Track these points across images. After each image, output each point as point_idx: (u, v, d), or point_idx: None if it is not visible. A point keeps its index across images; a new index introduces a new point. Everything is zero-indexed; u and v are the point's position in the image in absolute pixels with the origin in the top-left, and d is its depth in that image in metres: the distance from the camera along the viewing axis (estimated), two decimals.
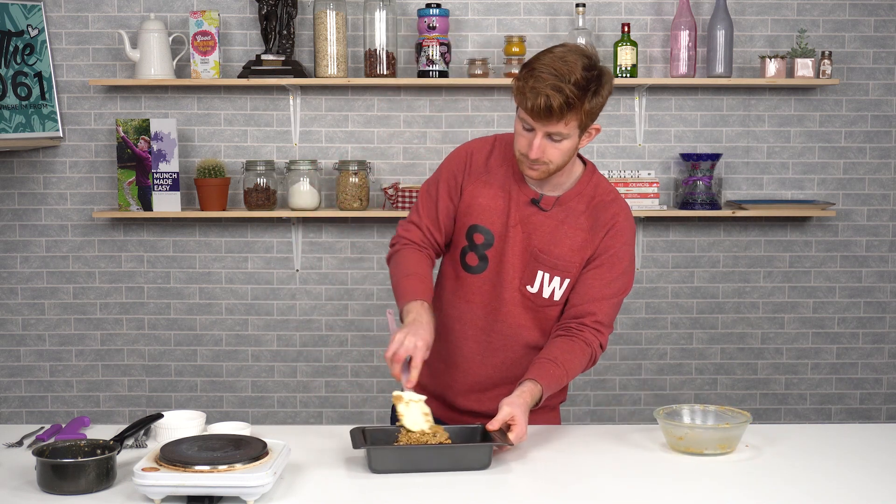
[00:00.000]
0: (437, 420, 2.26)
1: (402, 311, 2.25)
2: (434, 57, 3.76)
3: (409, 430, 2.09)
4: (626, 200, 3.78)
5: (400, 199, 3.82)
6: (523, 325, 2.33)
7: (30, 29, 3.84)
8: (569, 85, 2.13)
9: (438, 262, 2.47)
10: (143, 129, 3.80)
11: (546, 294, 2.31)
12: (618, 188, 3.82)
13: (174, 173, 3.81)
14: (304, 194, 3.82)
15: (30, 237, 3.99)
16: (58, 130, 3.93)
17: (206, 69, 3.80)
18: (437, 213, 2.36)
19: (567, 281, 2.30)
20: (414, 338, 2.14)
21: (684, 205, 3.91)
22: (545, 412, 2.42)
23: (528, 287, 2.31)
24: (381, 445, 2.06)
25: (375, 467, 2.00)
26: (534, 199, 2.31)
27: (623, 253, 2.30)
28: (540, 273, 2.29)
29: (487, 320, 2.33)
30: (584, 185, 2.33)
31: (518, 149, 2.24)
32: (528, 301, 2.31)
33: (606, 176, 3.82)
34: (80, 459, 1.89)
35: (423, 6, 3.84)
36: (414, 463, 2.00)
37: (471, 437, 2.10)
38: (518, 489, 1.94)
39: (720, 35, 3.83)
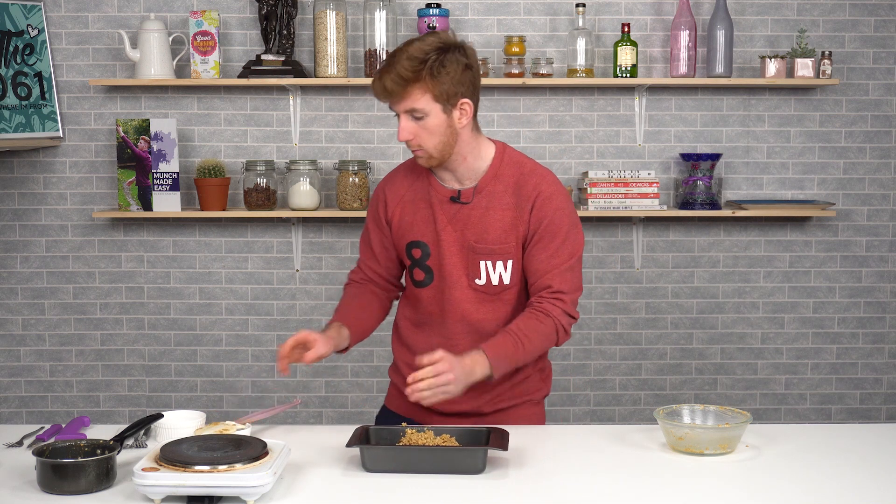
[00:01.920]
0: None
1: None
2: None
3: (413, 432, 2.09)
4: (630, 200, 3.82)
5: None
6: (483, 318, 2.37)
7: (30, 29, 3.85)
8: (401, 62, 2.22)
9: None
10: (143, 129, 3.80)
11: (495, 281, 2.35)
12: (618, 188, 3.83)
13: (174, 173, 3.81)
14: (304, 194, 3.82)
15: (30, 237, 3.99)
16: (58, 130, 3.93)
17: (206, 69, 3.80)
18: (371, 247, 2.48)
19: (511, 262, 2.34)
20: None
21: (684, 205, 3.91)
22: (529, 406, 2.45)
23: (477, 280, 2.35)
24: (377, 445, 2.06)
25: (368, 466, 2.00)
26: (452, 197, 2.36)
27: (559, 219, 2.33)
28: (482, 263, 2.34)
29: (447, 325, 2.38)
30: (498, 166, 2.37)
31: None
32: (481, 294, 2.36)
33: (606, 176, 3.83)
34: (80, 459, 1.89)
35: (423, 6, 3.84)
36: (407, 464, 2.00)
37: (475, 440, 2.09)
38: (518, 488, 1.94)
39: (720, 35, 3.83)
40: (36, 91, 3.85)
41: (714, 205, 3.89)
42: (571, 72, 3.84)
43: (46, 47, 3.89)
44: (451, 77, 2.24)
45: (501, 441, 2.04)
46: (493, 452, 2.05)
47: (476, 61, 2.30)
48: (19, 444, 2.21)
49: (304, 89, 3.95)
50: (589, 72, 3.83)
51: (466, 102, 2.28)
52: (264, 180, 3.85)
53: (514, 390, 2.43)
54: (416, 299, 2.43)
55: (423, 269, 2.39)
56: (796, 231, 4.06)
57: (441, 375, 2.14)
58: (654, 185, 3.85)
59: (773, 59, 3.84)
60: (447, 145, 2.29)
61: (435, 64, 2.22)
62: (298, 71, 3.79)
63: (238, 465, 1.84)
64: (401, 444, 2.06)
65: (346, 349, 2.43)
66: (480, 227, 2.33)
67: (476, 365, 2.20)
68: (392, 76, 2.22)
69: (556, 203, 2.34)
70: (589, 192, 3.83)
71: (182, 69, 3.91)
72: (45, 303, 4.01)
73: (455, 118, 2.27)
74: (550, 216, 2.32)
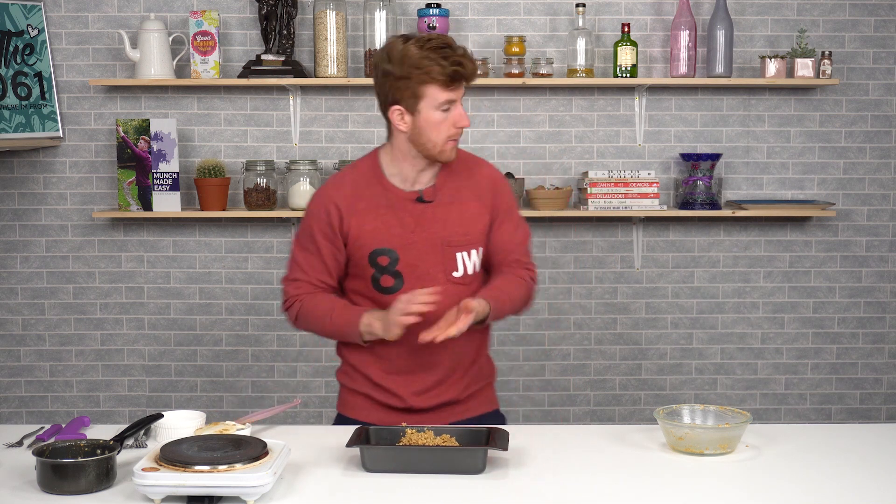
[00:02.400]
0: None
1: (361, 329, 2.35)
2: None
3: (413, 432, 2.09)
4: (630, 200, 3.82)
5: None
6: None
7: (30, 29, 3.85)
8: (469, 57, 2.31)
9: None
10: (143, 129, 3.80)
11: (470, 270, 2.43)
12: (618, 188, 3.83)
13: (174, 173, 3.81)
14: (304, 194, 3.82)
15: (30, 237, 3.99)
16: (58, 130, 3.93)
17: (206, 69, 3.80)
18: (324, 260, 2.41)
19: (480, 249, 2.44)
20: (392, 315, 2.28)
21: (684, 205, 3.91)
22: (489, 389, 2.55)
23: (454, 273, 2.40)
24: (377, 445, 2.06)
25: (368, 466, 2.00)
26: (418, 198, 2.39)
27: (511, 201, 2.50)
28: (459, 256, 2.40)
29: (420, 327, 2.30)
30: (448, 162, 2.41)
31: (441, 136, 2.32)
32: (458, 287, 2.39)
33: (606, 176, 3.84)
34: (80, 459, 1.89)
35: (423, 6, 3.84)
36: (407, 464, 2.00)
37: (475, 440, 2.09)
38: (518, 488, 1.94)
39: (720, 35, 3.83)
40: (36, 91, 3.85)
41: (714, 205, 3.89)
42: (571, 72, 3.84)
43: (46, 47, 3.89)
44: None
45: (501, 441, 2.04)
46: (493, 452, 2.05)
47: None
48: (19, 444, 2.21)
49: (304, 89, 3.95)
50: (589, 72, 3.83)
51: None
52: (264, 180, 3.85)
53: (478, 374, 2.51)
54: (381, 306, 2.37)
55: (391, 274, 2.37)
56: (796, 231, 4.06)
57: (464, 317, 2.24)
58: (654, 185, 3.85)
59: (773, 59, 3.84)
60: None
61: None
62: (298, 71, 3.79)
63: (238, 465, 1.84)
64: (401, 444, 2.06)
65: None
66: (451, 222, 2.39)
67: (480, 305, 2.30)
68: (472, 68, 2.30)
69: (506, 186, 2.50)
70: (589, 192, 3.83)
71: (182, 69, 3.91)
72: (45, 303, 4.01)
73: None
74: (506, 199, 2.48)
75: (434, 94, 2.28)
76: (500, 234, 2.44)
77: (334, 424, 2.56)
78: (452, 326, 2.22)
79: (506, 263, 2.45)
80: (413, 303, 2.24)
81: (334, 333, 2.43)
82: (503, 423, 2.52)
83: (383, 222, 2.37)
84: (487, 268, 2.50)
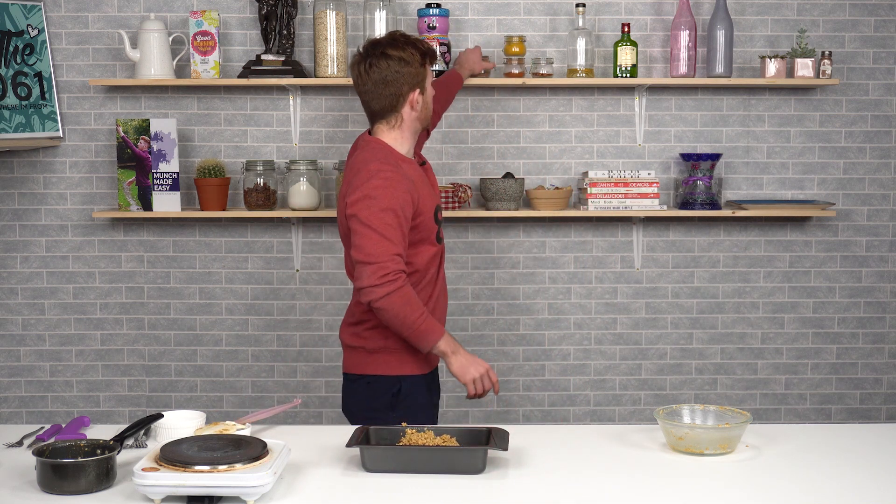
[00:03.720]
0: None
1: (434, 345, 2.63)
2: None
3: (413, 432, 2.09)
4: (630, 200, 3.82)
5: None
6: None
7: (30, 29, 3.85)
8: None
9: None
10: (143, 129, 3.80)
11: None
12: (618, 188, 3.83)
13: (174, 173, 3.81)
14: (303, 194, 3.82)
15: (30, 237, 3.99)
16: (58, 130, 3.93)
17: (206, 69, 3.80)
18: (406, 237, 2.69)
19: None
20: (483, 369, 2.67)
21: (684, 205, 3.91)
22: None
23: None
24: (377, 445, 2.06)
25: (368, 466, 2.00)
26: (421, 163, 2.88)
27: None
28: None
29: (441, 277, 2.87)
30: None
31: (431, 104, 2.83)
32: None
33: (606, 176, 3.84)
34: (80, 459, 1.89)
35: (423, 6, 3.84)
36: (407, 464, 2.00)
37: (475, 440, 2.09)
38: (518, 488, 1.94)
39: (720, 35, 3.83)
40: (36, 91, 3.85)
41: (714, 205, 3.89)
42: (571, 72, 3.84)
43: (46, 47, 3.89)
44: None
45: (501, 441, 2.04)
46: (493, 452, 2.06)
47: None
48: (19, 444, 2.21)
49: (304, 89, 3.95)
50: (589, 72, 3.83)
51: None
52: (264, 180, 3.85)
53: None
54: (440, 255, 2.82)
55: (439, 224, 2.81)
56: (796, 231, 4.06)
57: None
58: (654, 185, 3.85)
59: (773, 59, 3.84)
60: None
61: None
62: (298, 71, 3.79)
63: (238, 465, 1.84)
64: (401, 444, 2.06)
65: None
66: (430, 178, 2.88)
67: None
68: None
69: None
70: (589, 192, 3.83)
71: (182, 69, 3.91)
72: (45, 303, 4.01)
73: None
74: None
75: (429, 72, 2.80)
76: None
77: (368, 384, 2.78)
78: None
79: None
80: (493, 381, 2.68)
81: (413, 329, 2.60)
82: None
83: (421, 185, 2.74)
84: None
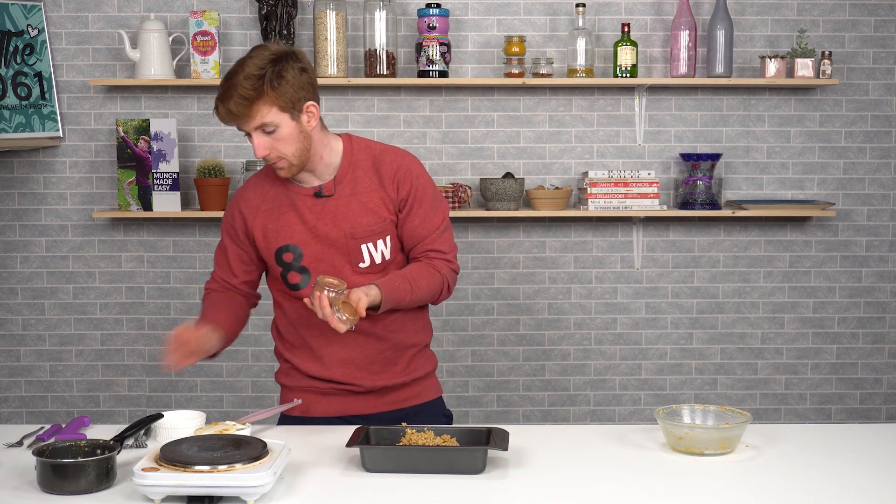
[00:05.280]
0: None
1: None
2: (434, 57, 3.77)
3: (413, 432, 2.09)
4: (630, 201, 3.82)
5: None
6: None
7: (30, 29, 3.85)
8: (240, 83, 2.28)
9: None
10: (143, 129, 3.80)
11: (378, 259, 2.43)
12: (618, 188, 3.83)
13: (174, 173, 3.81)
14: None
15: (30, 237, 3.99)
16: (58, 130, 3.93)
17: (206, 69, 3.80)
18: (228, 261, 2.52)
19: (389, 237, 2.43)
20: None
21: (684, 205, 3.91)
22: (426, 352, 2.56)
23: (361, 264, 2.42)
24: (377, 445, 2.06)
25: (368, 466, 2.00)
26: (316, 193, 2.43)
27: (422, 186, 2.45)
28: (363, 247, 2.41)
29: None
30: (350, 155, 2.46)
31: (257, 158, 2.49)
32: (367, 276, 2.41)
33: (606, 176, 3.83)
34: (80, 459, 1.89)
35: (423, 6, 3.84)
36: (407, 464, 2.00)
37: (475, 440, 2.09)
38: (518, 488, 1.94)
39: (720, 35, 3.83)
40: (36, 91, 3.85)
41: (714, 205, 3.89)
42: (571, 72, 3.84)
43: (46, 47, 3.89)
44: (292, 84, 2.32)
45: (501, 441, 2.04)
46: (493, 452, 2.06)
47: (309, 64, 2.41)
48: (19, 444, 2.21)
49: None
50: (589, 72, 3.83)
51: (312, 105, 2.38)
52: None
53: (412, 365, 2.51)
54: (294, 302, 2.46)
55: (297, 271, 2.43)
56: (796, 231, 4.06)
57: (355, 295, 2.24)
58: (654, 185, 3.85)
59: (773, 59, 3.84)
60: (304, 150, 2.38)
61: (273, 76, 2.30)
62: None
63: (238, 465, 1.84)
64: (401, 444, 2.06)
65: (215, 355, 2.46)
66: (352, 214, 2.41)
67: (371, 290, 2.28)
68: (235, 99, 2.28)
69: (415, 172, 2.45)
70: (589, 192, 3.83)
71: (182, 69, 3.91)
72: (45, 303, 4.01)
73: (304, 122, 2.37)
74: (415, 185, 2.44)
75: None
76: (409, 222, 2.44)
77: (278, 425, 2.55)
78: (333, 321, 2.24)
79: (418, 251, 2.45)
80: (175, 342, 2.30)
81: None
82: (447, 412, 2.60)
83: (285, 220, 2.43)
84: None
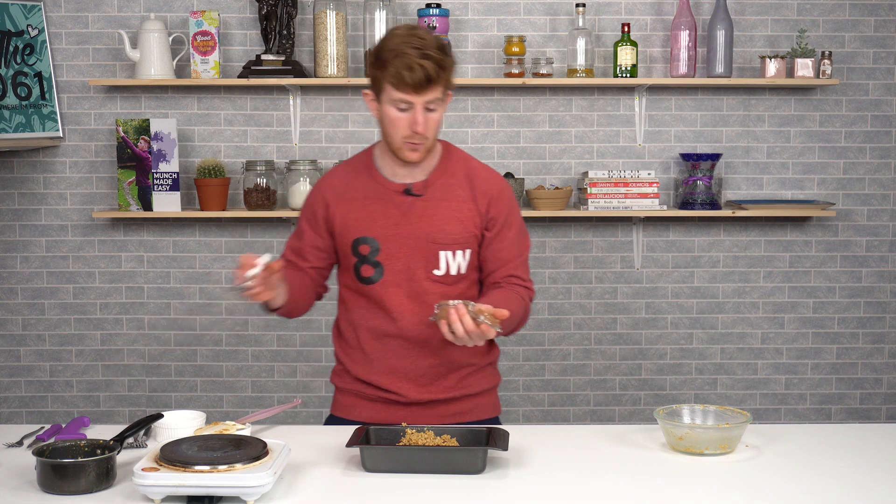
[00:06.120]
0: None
1: None
2: None
3: (413, 432, 2.09)
4: (630, 201, 3.82)
5: None
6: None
7: (30, 29, 3.85)
8: (433, 50, 2.22)
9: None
10: (143, 129, 3.80)
11: (454, 271, 2.38)
12: (618, 188, 3.83)
13: (174, 173, 3.81)
14: (303, 194, 3.82)
15: (30, 237, 3.99)
16: (58, 130, 3.93)
17: (206, 69, 3.80)
18: (302, 246, 2.45)
19: (469, 252, 2.38)
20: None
21: (684, 205, 3.91)
22: (487, 370, 2.48)
23: (435, 271, 2.37)
24: (377, 445, 2.06)
25: (368, 466, 2.00)
26: (406, 190, 2.37)
27: (513, 214, 2.42)
28: (442, 254, 2.36)
29: (402, 320, 2.38)
30: (447, 161, 2.41)
31: (398, 134, 2.28)
32: (438, 285, 2.36)
33: (606, 176, 3.83)
34: (80, 459, 1.89)
35: (423, 6, 3.84)
36: (407, 464, 2.00)
37: (475, 440, 2.09)
38: (518, 488, 1.94)
39: (720, 35, 3.83)
40: (36, 91, 3.85)
41: (714, 205, 3.89)
42: (571, 72, 3.84)
43: (46, 47, 3.89)
44: (453, 65, 2.30)
45: (501, 441, 2.04)
46: (493, 452, 2.06)
47: None
48: (19, 444, 2.21)
49: (304, 89, 3.95)
50: (589, 72, 3.83)
51: (449, 94, 2.34)
52: (264, 180, 3.85)
53: (465, 381, 2.44)
54: (364, 296, 2.40)
55: (371, 264, 2.38)
56: (796, 231, 4.06)
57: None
58: (654, 185, 3.85)
59: (773, 59, 3.84)
60: (437, 135, 2.35)
61: (448, 52, 2.27)
62: (298, 71, 3.79)
63: (238, 465, 1.84)
64: (401, 444, 2.06)
65: (276, 309, 2.39)
66: (438, 219, 2.35)
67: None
68: (432, 64, 2.21)
69: (509, 195, 2.43)
70: (589, 192, 3.83)
71: (182, 69, 3.91)
72: (45, 303, 4.01)
73: (444, 108, 2.33)
74: (507, 211, 2.40)
75: (389, 90, 2.26)
76: (495, 245, 2.39)
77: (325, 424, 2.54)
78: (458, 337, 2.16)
79: (498, 276, 2.39)
80: (245, 269, 2.17)
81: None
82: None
83: (368, 212, 2.37)
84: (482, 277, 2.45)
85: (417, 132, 2.26)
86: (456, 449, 2.03)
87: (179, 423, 2.21)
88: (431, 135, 2.30)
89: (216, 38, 3.79)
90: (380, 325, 2.39)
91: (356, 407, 2.46)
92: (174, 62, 3.85)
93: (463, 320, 2.12)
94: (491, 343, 2.47)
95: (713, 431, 2.12)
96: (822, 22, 3.98)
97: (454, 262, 2.37)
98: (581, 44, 3.82)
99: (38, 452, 1.91)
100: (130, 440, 2.19)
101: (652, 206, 3.86)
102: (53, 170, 3.97)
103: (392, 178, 2.39)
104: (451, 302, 2.15)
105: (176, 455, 1.86)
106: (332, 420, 2.52)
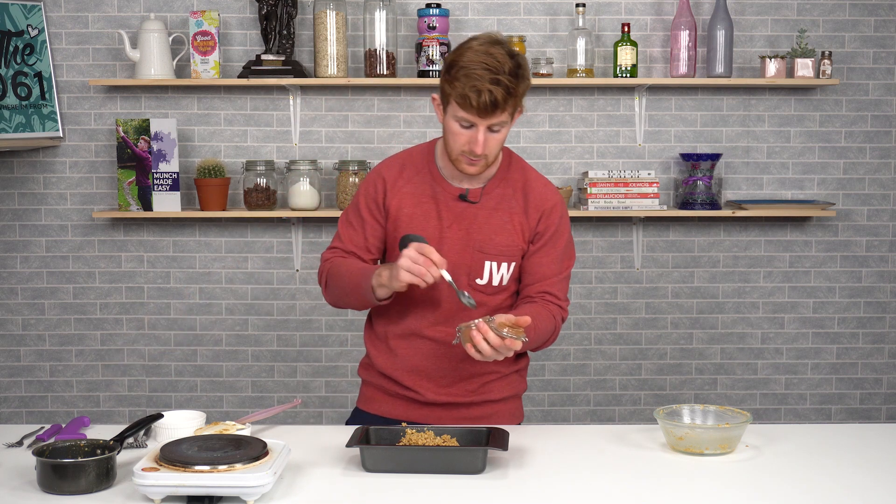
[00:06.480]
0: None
1: (373, 285, 2.25)
2: (434, 57, 3.77)
3: (413, 432, 2.09)
4: (630, 201, 3.82)
5: None
6: (474, 318, 2.31)
7: (30, 29, 3.85)
8: (505, 76, 2.17)
9: None
10: (143, 129, 3.80)
11: (496, 282, 2.36)
12: (618, 188, 3.83)
13: (174, 173, 3.81)
14: (304, 194, 3.82)
15: (30, 237, 3.99)
16: (58, 130, 3.93)
17: (206, 69, 3.80)
18: (365, 235, 2.39)
19: (513, 265, 2.36)
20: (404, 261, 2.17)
21: (684, 205, 3.91)
22: (512, 378, 2.46)
23: (478, 280, 2.35)
24: (378, 445, 2.06)
25: (368, 466, 2.00)
26: (461, 195, 2.34)
27: (563, 229, 2.39)
28: (487, 263, 2.34)
29: (440, 323, 2.36)
30: (506, 170, 2.39)
31: (457, 147, 2.25)
32: (478, 296, 2.34)
33: (606, 176, 3.83)
34: (80, 459, 1.89)
35: (423, 6, 3.84)
36: (407, 464, 2.00)
37: (475, 440, 2.09)
38: (518, 488, 1.94)
39: (720, 35, 3.83)
40: (36, 91, 3.85)
41: (714, 205, 3.89)
42: (571, 72, 3.84)
43: (46, 47, 3.89)
44: (525, 88, 2.24)
45: (501, 441, 2.04)
46: (493, 452, 2.05)
47: None
48: (19, 444, 2.21)
49: (304, 89, 3.95)
50: (589, 72, 3.83)
51: (520, 110, 2.29)
52: (264, 180, 3.85)
53: (487, 387, 2.43)
54: (401, 293, 2.31)
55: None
56: (796, 231, 4.06)
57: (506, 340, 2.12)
58: (654, 185, 3.85)
59: (773, 59, 3.84)
60: (499, 152, 2.32)
61: (522, 79, 2.21)
62: (298, 71, 3.79)
63: (238, 465, 1.84)
64: (401, 444, 2.06)
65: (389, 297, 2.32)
66: (488, 228, 2.33)
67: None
68: (501, 91, 2.16)
69: (561, 212, 2.39)
70: (589, 192, 3.83)
71: (182, 69, 3.91)
72: (45, 303, 4.01)
73: (511, 126, 2.29)
74: (556, 226, 2.37)
75: (454, 105, 2.22)
76: (537, 259, 2.36)
77: (349, 419, 2.53)
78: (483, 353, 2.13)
79: (533, 290, 2.36)
80: (423, 255, 2.15)
81: (353, 292, 2.31)
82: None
83: (422, 210, 2.34)
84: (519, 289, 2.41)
85: (476, 151, 2.23)
86: (456, 449, 2.03)
87: (179, 423, 2.21)
88: (492, 154, 2.27)
89: (216, 38, 3.79)
90: (411, 324, 2.37)
91: (378, 401, 2.46)
92: (174, 62, 3.85)
93: (487, 337, 2.10)
94: (521, 353, 2.46)
95: (713, 431, 2.12)
96: (822, 22, 3.98)
97: (497, 273, 2.35)
98: (581, 44, 3.82)
99: (38, 452, 1.91)
100: (130, 440, 2.19)
101: (652, 206, 3.86)
102: (53, 170, 3.97)
103: (450, 181, 2.36)
104: (472, 323, 2.13)
105: (176, 455, 1.86)
106: (357, 413, 2.51)
